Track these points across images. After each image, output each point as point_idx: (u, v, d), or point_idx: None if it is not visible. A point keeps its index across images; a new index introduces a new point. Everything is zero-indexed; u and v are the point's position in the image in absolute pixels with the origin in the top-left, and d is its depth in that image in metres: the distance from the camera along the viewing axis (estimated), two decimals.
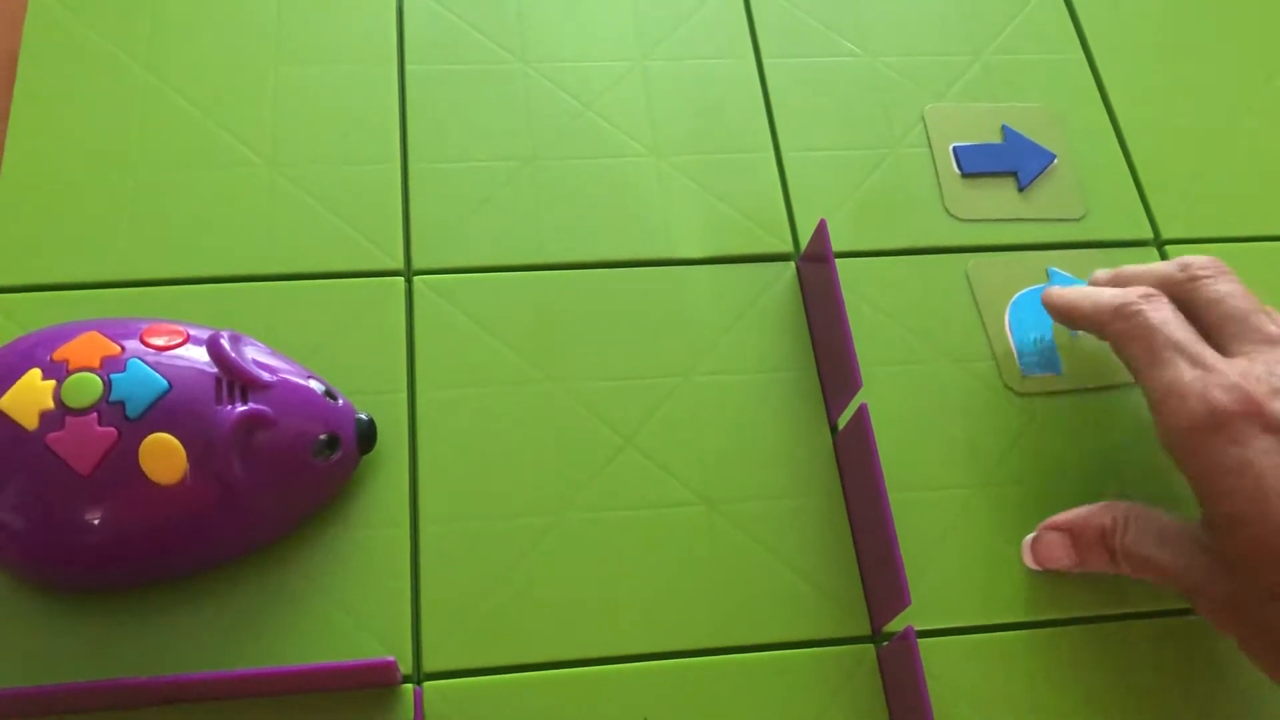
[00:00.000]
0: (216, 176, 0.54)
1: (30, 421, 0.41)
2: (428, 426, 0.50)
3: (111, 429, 0.41)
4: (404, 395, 0.50)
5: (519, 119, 0.58)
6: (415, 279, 0.53)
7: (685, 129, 0.58)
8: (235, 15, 0.59)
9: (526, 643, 0.46)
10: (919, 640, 0.45)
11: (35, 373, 0.42)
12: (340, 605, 0.46)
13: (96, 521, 0.41)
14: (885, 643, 0.47)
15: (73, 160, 0.54)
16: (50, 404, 0.41)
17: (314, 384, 0.46)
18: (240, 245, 0.53)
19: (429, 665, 0.45)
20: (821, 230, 0.52)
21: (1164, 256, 0.57)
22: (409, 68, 0.59)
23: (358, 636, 0.45)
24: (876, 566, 0.47)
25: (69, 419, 0.41)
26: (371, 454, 0.48)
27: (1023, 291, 0.56)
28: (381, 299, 0.52)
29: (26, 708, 0.42)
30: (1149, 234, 0.58)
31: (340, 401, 0.47)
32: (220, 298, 0.51)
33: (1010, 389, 0.53)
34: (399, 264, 0.53)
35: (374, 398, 0.50)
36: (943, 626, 0.48)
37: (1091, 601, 0.48)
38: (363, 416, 0.47)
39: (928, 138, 0.60)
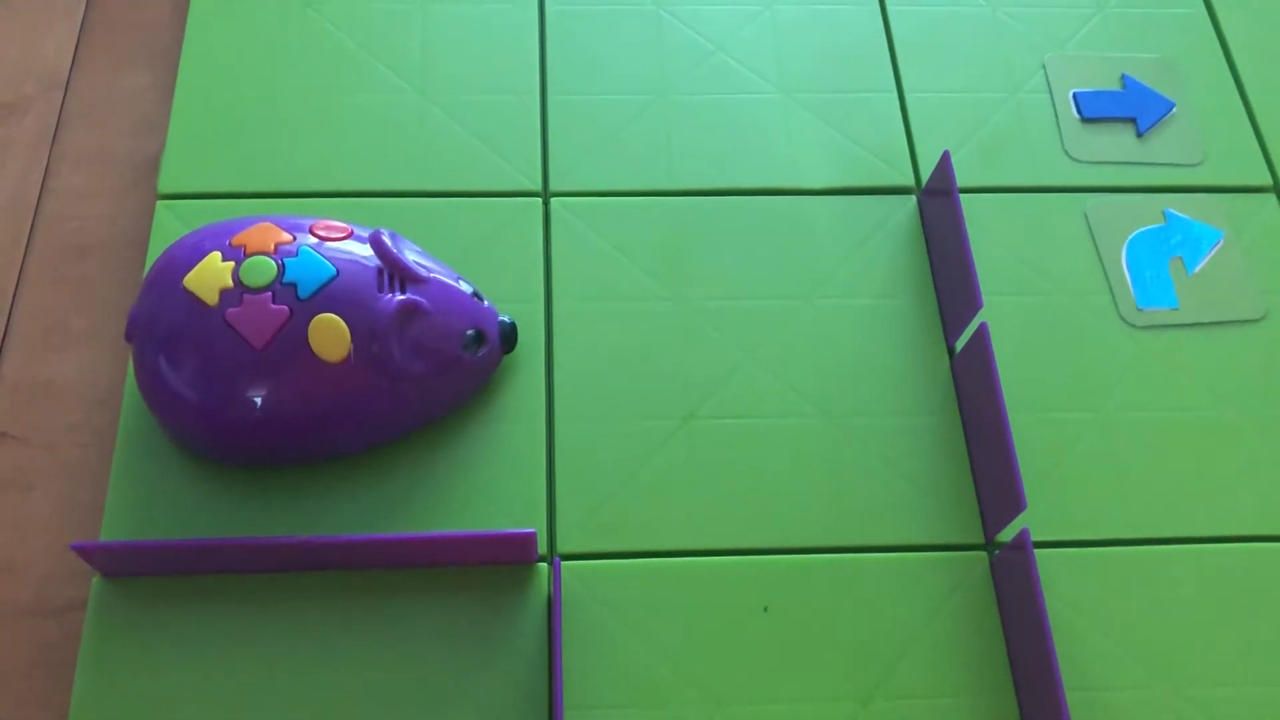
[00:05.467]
0: (371, 100, 0.58)
1: (211, 298, 0.45)
2: (563, 335, 0.53)
3: (284, 307, 0.44)
4: (541, 305, 0.53)
5: (651, 56, 0.61)
6: (552, 200, 0.56)
7: (811, 69, 0.61)
8: None
9: (653, 532, 0.48)
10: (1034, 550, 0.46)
11: (215, 255, 0.46)
12: (482, 490, 0.49)
13: (267, 393, 0.45)
14: (998, 550, 0.48)
15: (238, 84, 0.58)
16: (229, 283, 0.45)
17: (463, 284, 0.50)
18: (392, 164, 0.56)
19: (562, 547, 0.48)
20: (945, 162, 0.54)
21: None
22: (549, 6, 0.62)
23: (497, 519, 0.48)
24: (992, 477, 0.49)
25: (246, 296, 0.44)
26: (511, 355, 0.51)
27: (1139, 230, 0.57)
28: (521, 217, 0.56)
29: (186, 562, 0.45)
30: (1268, 180, 0.59)
31: (486, 303, 0.50)
32: (373, 210, 0.55)
33: (1126, 321, 0.54)
34: (537, 186, 0.56)
35: (514, 306, 0.53)
36: (1057, 539, 0.49)
37: (1212, 521, 0.49)
38: (505, 319, 0.50)
39: (1048, 84, 0.61)
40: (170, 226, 0.54)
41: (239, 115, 0.57)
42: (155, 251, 0.53)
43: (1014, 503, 0.46)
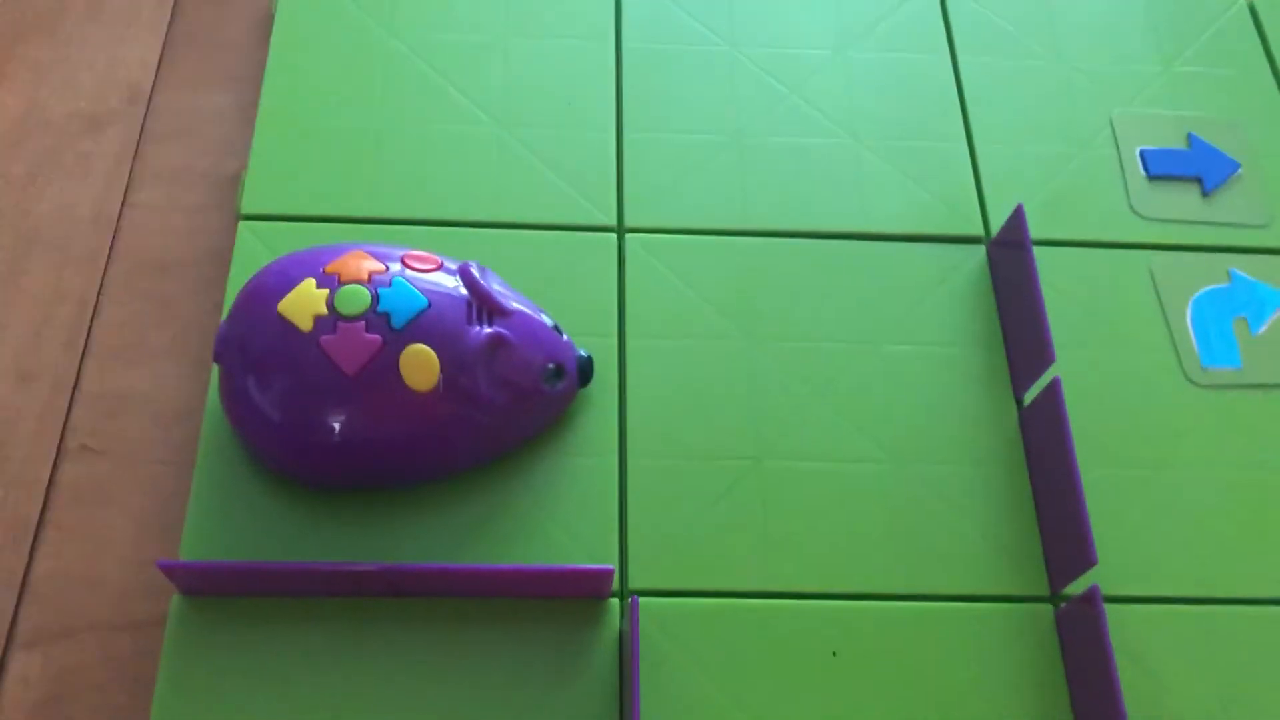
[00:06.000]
0: (450, 130, 0.59)
1: (305, 324, 0.45)
2: (636, 370, 0.53)
3: (377, 336, 0.45)
4: (614, 340, 0.54)
5: (726, 98, 0.62)
6: (627, 235, 0.57)
7: (882, 115, 0.62)
8: None
9: (724, 572, 0.49)
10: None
11: (310, 282, 0.46)
12: (556, 521, 0.49)
13: (355, 419, 0.46)
14: (1064, 603, 0.49)
15: (320, 107, 0.59)
16: (324, 310, 0.45)
17: (544, 318, 0.50)
18: (470, 194, 0.57)
19: (634, 583, 0.48)
20: (1018, 214, 0.55)
21: None
22: (625, 45, 0.63)
23: (571, 551, 0.49)
24: (1059, 530, 0.49)
25: (340, 324, 0.45)
26: (586, 388, 0.52)
27: (1204, 290, 0.58)
28: (596, 252, 0.56)
29: (266, 583, 0.46)
30: None
31: (565, 337, 0.51)
32: (450, 239, 0.56)
33: (1191, 380, 0.55)
34: (612, 221, 0.57)
35: (587, 340, 0.53)
36: (1121, 594, 0.49)
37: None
38: (583, 352, 0.51)
39: (1115, 140, 0.62)
40: (251, 246, 0.55)
41: (320, 139, 0.58)
42: (237, 270, 0.54)
43: (1084, 557, 0.47)
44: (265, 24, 0.63)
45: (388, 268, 0.47)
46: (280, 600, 0.47)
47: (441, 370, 0.46)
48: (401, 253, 0.49)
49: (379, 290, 0.46)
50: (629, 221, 0.57)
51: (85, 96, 0.61)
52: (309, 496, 0.49)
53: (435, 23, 0.62)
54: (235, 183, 0.58)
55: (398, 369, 0.45)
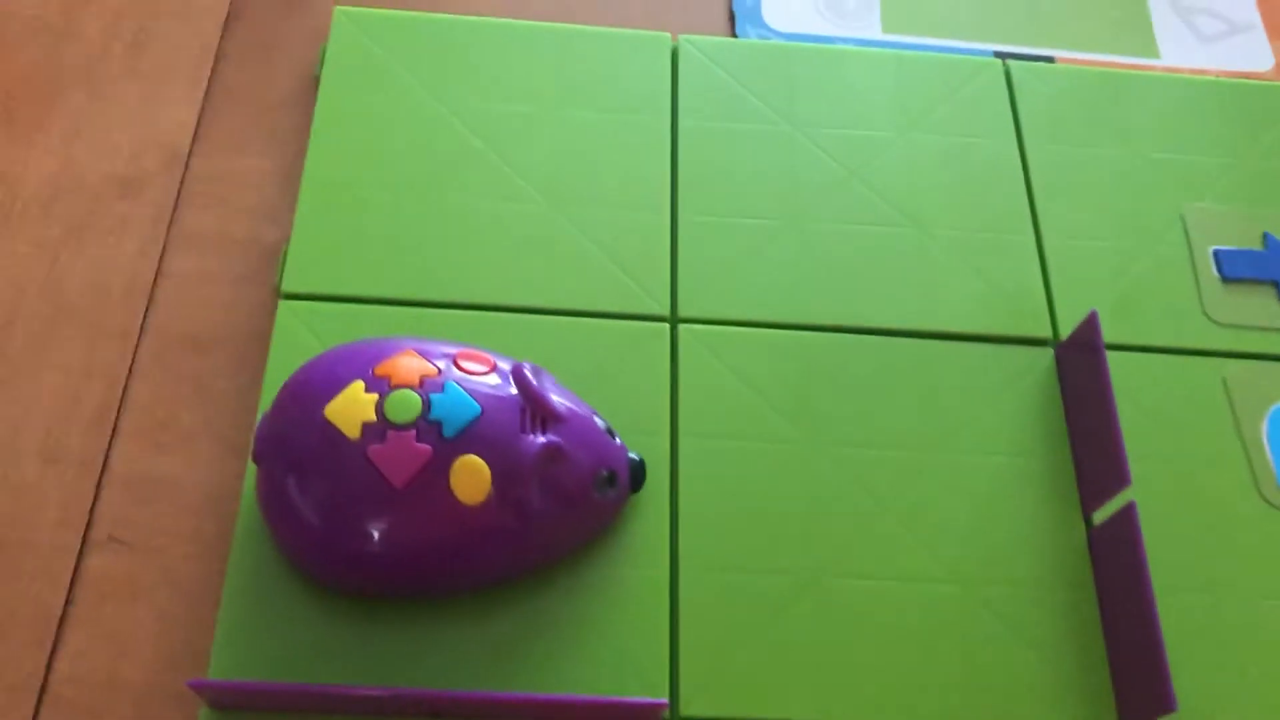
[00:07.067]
0: (499, 208, 0.57)
1: (353, 431, 0.43)
2: (689, 473, 0.51)
3: (428, 446, 0.43)
4: (666, 440, 0.52)
5: (785, 180, 0.59)
6: (680, 326, 0.55)
7: (946, 203, 0.59)
8: (521, 56, 0.61)
9: (780, 698, 0.47)
10: None
11: (359, 385, 0.44)
12: (602, 638, 0.47)
13: (400, 532, 0.43)
14: None
15: (367, 181, 0.57)
16: (373, 416, 0.43)
17: (597, 420, 0.48)
18: (518, 277, 0.55)
19: (685, 710, 0.46)
20: (1093, 321, 0.52)
21: None
22: (681, 122, 0.61)
23: (617, 670, 0.46)
24: (1131, 665, 0.47)
25: (390, 433, 0.43)
26: (637, 494, 0.50)
27: None
28: (648, 343, 0.54)
29: (300, 703, 0.44)
30: None
31: (617, 440, 0.49)
32: (498, 325, 0.53)
33: (1268, 501, 0.53)
34: (666, 310, 0.55)
35: (637, 438, 0.51)
36: None
37: None
38: (635, 456, 0.49)
39: (1187, 237, 0.60)
40: (292, 328, 0.52)
41: (364, 213, 0.56)
42: (277, 354, 0.51)
43: (1161, 702, 0.44)
44: (310, 83, 0.61)
45: (440, 370, 0.45)
46: (311, 717, 0.44)
47: (493, 481, 0.43)
48: (455, 352, 0.46)
49: (430, 396, 0.44)
50: (683, 311, 0.55)
51: (120, 157, 0.58)
52: (346, 603, 0.47)
53: (486, 91, 0.60)
54: (274, 252, 0.56)
55: (448, 481, 0.43)
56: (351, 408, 0.43)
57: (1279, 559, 0.51)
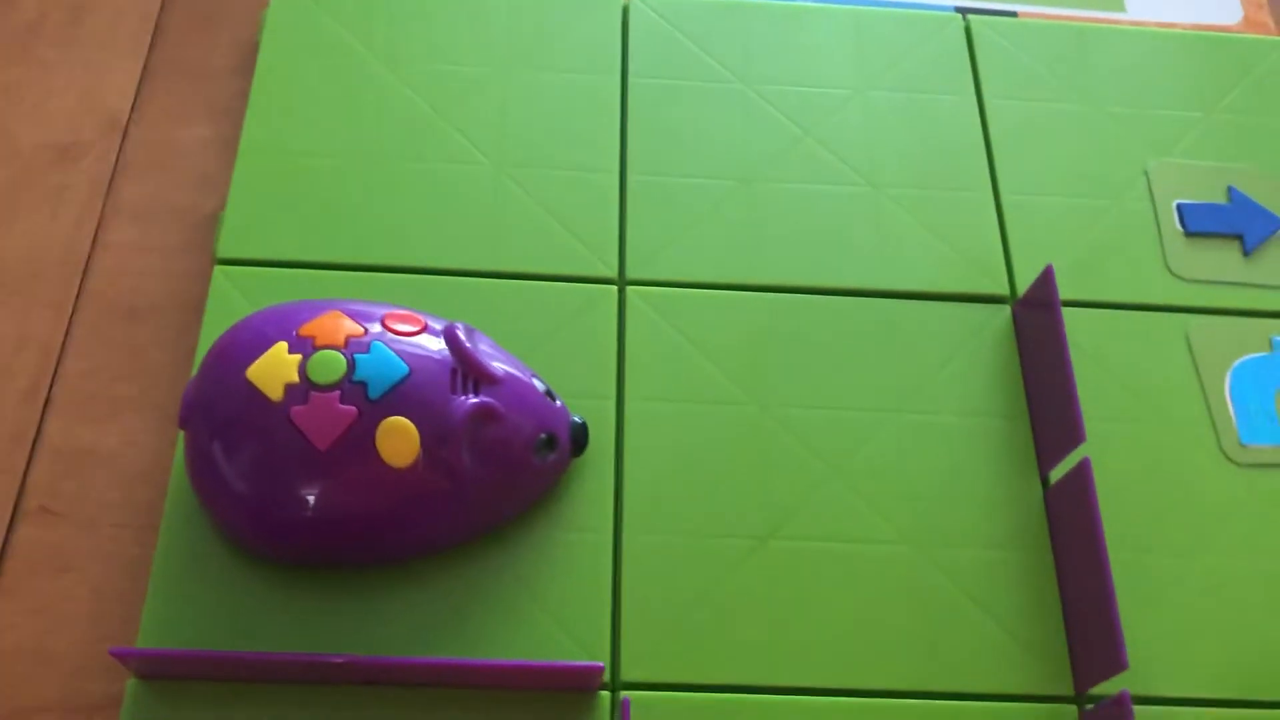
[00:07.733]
0: (444, 170, 0.55)
1: (275, 393, 0.42)
2: (634, 436, 0.50)
3: (352, 407, 0.42)
4: (612, 403, 0.50)
5: (737, 139, 0.58)
6: (629, 289, 0.53)
7: (903, 162, 0.58)
8: (469, 16, 0.60)
9: (724, 664, 0.45)
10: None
11: (282, 346, 0.43)
12: (542, 605, 0.46)
13: (327, 496, 0.42)
14: (1090, 705, 0.45)
15: (306, 145, 0.56)
16: (295, 378, 0.42)
17: (536, 383, 0.47)
18: (462, 240, 0.54)
19: (627, 675, 0.45)
20: (1048, 276, 0.51)
21: None
22: (632, 81, 0.59)
23: (557, 637, 0.45)
24: (1086, 625, 0.46)
25: (313, 394, 0.42)
26: (579, 458, 0.48)
27: (1245, 358, 0.54)
28: (595, 305, 0.53)
29: (229, 671, 0.43)
30: None
31: (558, 403, 0.47)
32: (438, 288, 0.52)
33: (1229, 458, 0.51)
34: (613, 273, 0.54)
35: (582, 401, 0.50)
36: (1152, 694, 0.46)
37: None
38: (577, 419, 0.48)
39: (1150, 193, 0.58)
40: (228, 294, 0.51)
41: (304, 178, 0.55)
42: (211, 320, 0.50)
43: (1113, 660, 0.43)
44: (251, 52, 0.59)
45: (366, 331, 0.44)
46: (244, 685, 0.43)
47: (422, 444, 0.42)
48: (383, 313, 0.45)
49: (355, 357, 0.42)
50: (631, 273, 0.54)
51: (58, 126, 0.57)
52: (278, 572, 0.45)
53: (431, 53, 0.59)
54: (213, 222, 0.55)
55: (374, 443, 0.42)
56: (274, 369, 0.42)
57: (1242, 517, 0.50)
